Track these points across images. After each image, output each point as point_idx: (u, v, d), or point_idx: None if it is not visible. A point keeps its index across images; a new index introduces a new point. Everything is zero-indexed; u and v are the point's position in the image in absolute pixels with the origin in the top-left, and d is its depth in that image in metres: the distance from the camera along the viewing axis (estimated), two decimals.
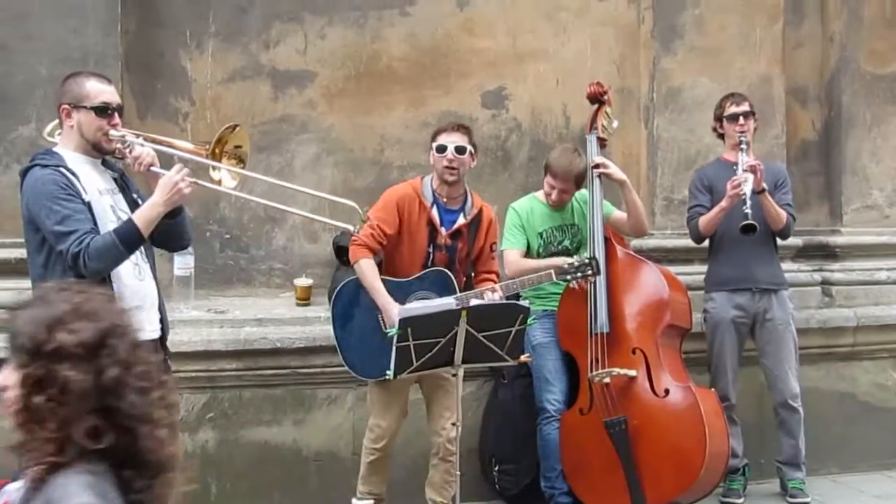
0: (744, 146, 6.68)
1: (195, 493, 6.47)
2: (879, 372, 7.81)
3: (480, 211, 6.10)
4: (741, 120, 6.79)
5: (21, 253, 6.26)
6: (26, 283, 6.24)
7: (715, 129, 7.03)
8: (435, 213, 5.95)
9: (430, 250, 5.93)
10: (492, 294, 5.85)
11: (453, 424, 5.61)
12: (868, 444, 7.68)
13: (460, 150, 5.92)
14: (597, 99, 6.73)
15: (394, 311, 5.67)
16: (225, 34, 7.06)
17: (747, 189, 6.41)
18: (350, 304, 5.92)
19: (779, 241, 6.97)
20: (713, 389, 6.52)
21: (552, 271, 6.08)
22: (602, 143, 6.68)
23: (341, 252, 6.49)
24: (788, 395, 6.84)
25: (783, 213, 6.72)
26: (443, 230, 5.95)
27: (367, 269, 5.84)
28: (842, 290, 7.69)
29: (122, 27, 6.58)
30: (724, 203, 6.58)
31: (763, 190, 6.57)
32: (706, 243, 6.93)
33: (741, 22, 7.62)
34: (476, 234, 6.05)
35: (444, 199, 5.99)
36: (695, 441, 6.12)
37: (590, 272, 6.10)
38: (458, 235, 6.00)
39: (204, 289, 6.87)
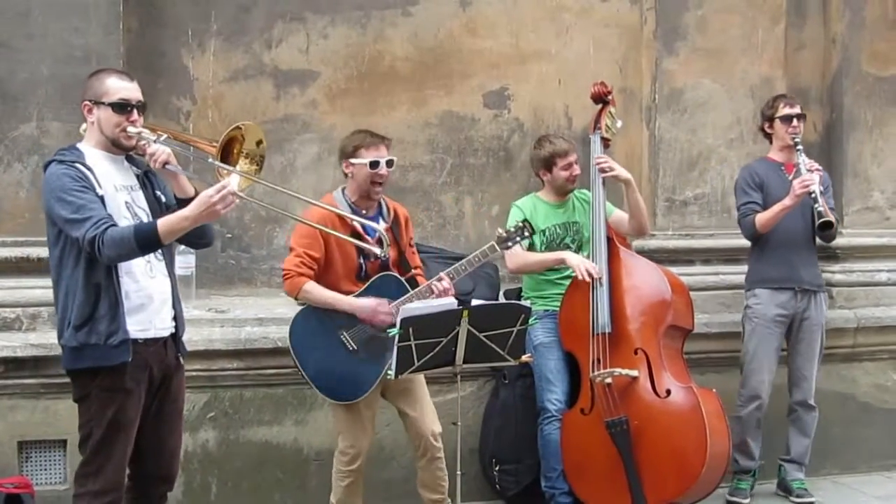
0: (800, 147, 6.72)
1: (196, 492, 6.52)
2: (880, 373, 7.81)
3: (396, 211, 6.05)
4: (795, 122, 6.82)
5: (22, 252, 6.33)
6: (28, 282, 6.30)
7: (762, 129, 7.06)
8: (357, 224, 5.77)
9: (362, 262, 5.84)
10: (438, 283, 5.76)
11: (454, 424, 5.60)
12: (868, 446, 7.70)
13: (390, 163, 5.89)
14: (601, 99, 6.74)
15: (362, 302, 5.68)
16: (227, 33, 7.06)
17: (815, 188, 6.47)
18: (306, 335, 5.78)
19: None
20: (714, 391, 6.50)
21: (493, 243, 5.98)
22: (606, 143, 6.71)
23: None
24: (810, 394, 6.91)
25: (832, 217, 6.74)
26: (370, 238, 5.79)
27: (313, 289, 5.72)
28: (842, 292, 7.69)
29: (124, 26, 6.57)
30: (787, 201, 6.59)
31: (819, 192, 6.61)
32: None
33: (743, 23, 7.62)
34: (399, 235, 6.00)
35: (363, 209, 5.89)
36: (696, 442, 6.12)
37: (526, 233, 6.06)
38: (384, 240, 5.92)
39: (205, 288, 6.87)
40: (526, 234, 6.09)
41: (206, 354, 6.39)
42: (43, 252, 6.25)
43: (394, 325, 5.25)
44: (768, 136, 7.04)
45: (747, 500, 6.90)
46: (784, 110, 6.87)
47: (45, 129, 6.38)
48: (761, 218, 6.74)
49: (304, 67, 7.20)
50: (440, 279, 5.80)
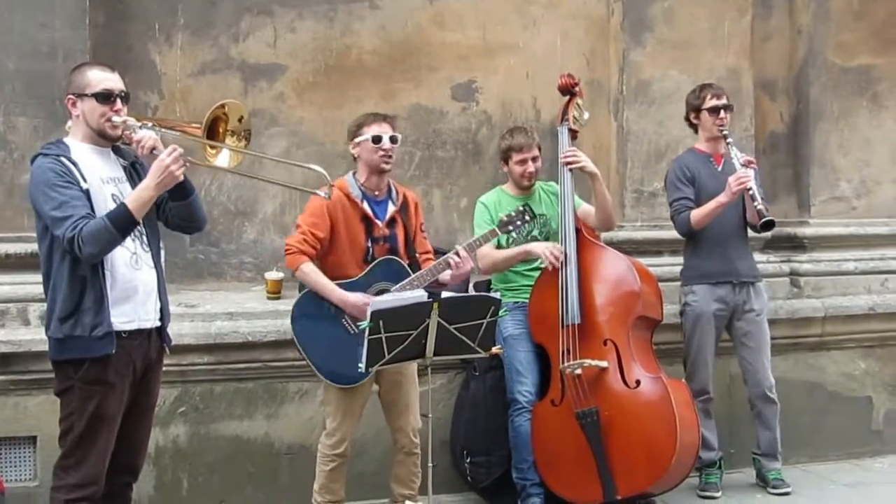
0: (730, 140, 6.72)
1: (167, 486, 6.51)
2: (847, 362, 7.87)
3: (405, 196, 6.09)
4: (722, 113, 6.81)
5: (4, 248, 6.29)
6: (17, 277, 6.26)
7: (688, 119, 7.03)
8: (367, 207, 5.89)
9: (369, 245, 5.88)
10: (455, 256, 5.82)
11: (424, 416, 5.61)
12: (837, 434, 7.75)
13: (394, 139, 5.93)
14: (568, 90, 6.74)
15: (351, 298, 5.69)
16: (194, 27, 7.05)
17: (753, 185, 6.49)
18: (309, 317, 5.78)
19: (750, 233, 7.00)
20: (684, 381, 6.53)
21: (495, 227, 6.09)
22: (573, 134, 6.70)
23: None
24: (766, 386, 6.90)
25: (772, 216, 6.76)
26: (379, 222, 5.90)
27: (309, 271, 5.76)
28: (810, 281, 7.75)
29: (90, 20, 6.55)
30: (723, 198, 6.58)
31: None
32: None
33: (710, 15, 7.66)
34: (408, 219, 6.03)
35: (374, 192, 5.94)
36: (666, 432, 6.14)
37: (527, 217, 6.12)
38: (394, 223, 5.96)
39: (174, 283, 6.84)
40: (527, 217, 6.14)
41: (176, 349, 6.29)
42: (10, 248, 6.27)
43: None
44: (694, 127, 7.02)
45: (719, 493, 6.91)
46: (711, 101, 6.84)
47: (12, 125, 6.36)
48: (696, 215, 6.73)
49: (272, 61, 7.19)
50: (457, 252, 5.85)
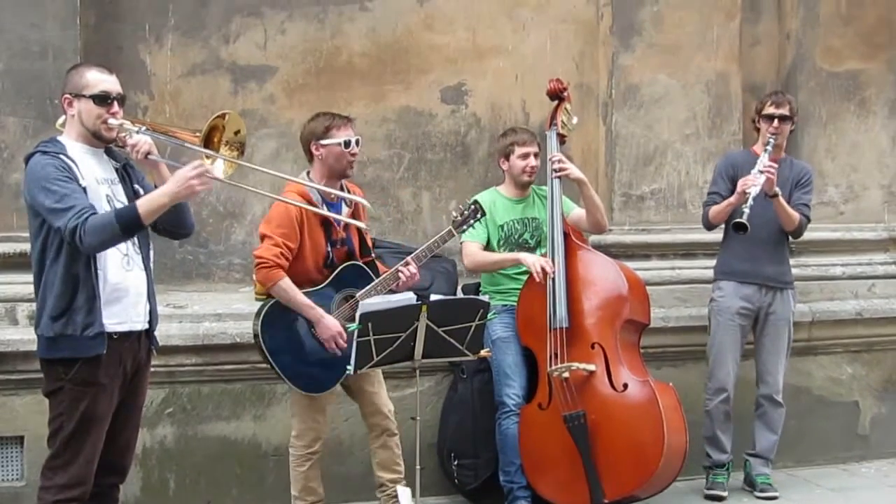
0: (769, 148, 6.75)
1: (154, 487, 6.50)
2: (834, 367, 7.89)
3: (354, 194, 6.00)
4: (776, 122, 6.84)
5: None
6: (6, 277, 6.26)
7: (753, 121, 7.10)
8: (326, 210, 5.80)
9: (329, 249, 5.86)
10: (405, 269, 5.80)
11: (412, 419, 5.59)
12: (823, 438, 7.78)
13: (358, 142, 5.92)
14: (557, 95, 6.75)
15: (328, 322, 5.68)
16: (184, 28, 7.03)
17: (753, 191, 6.51)
18: (277, 325, 5.74)
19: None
20: (671, 384, 6.54)
21: (450, 227, 6.07)
22: (562, 139, 6.72)
23: None
24: (775, 389, 6.96)
25: (796, 215, 6.80)
26: (337, 225, 5.85)
27: (288, 287, 5.68)
28: (797, 286, 7.73)
29: (80, 21, 6.54)
30: (732, 199, 6.68)
31: (776, 195, 6.67)
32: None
33: (699, 19, 7.66)
34: (359, 218, 5.94)
35: (330, 196, 5.86)
36: (653, 435, 6.16)
37: (479, 216, 6.12)
38: (348, 226, 5.90)
39: (163, 284, 6.80)
40: (478, 216, 6.13)
41: (163, 350, 6.30)
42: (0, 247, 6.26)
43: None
44: (757, 130, 7.06)
45: (725, 493, 6.93)
46: (769, 109, 6.90)
47: (2, 124, 6.36)
48: (714, 209, 6.84)
49: (262, 62, 7.18)
50: (407, 263, 5.83)
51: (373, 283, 5.81)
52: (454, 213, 6.18)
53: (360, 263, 5.92)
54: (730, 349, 6.90)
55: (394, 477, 6.01)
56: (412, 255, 5.91)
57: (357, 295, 5.76)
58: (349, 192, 5.99)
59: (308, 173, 5.96)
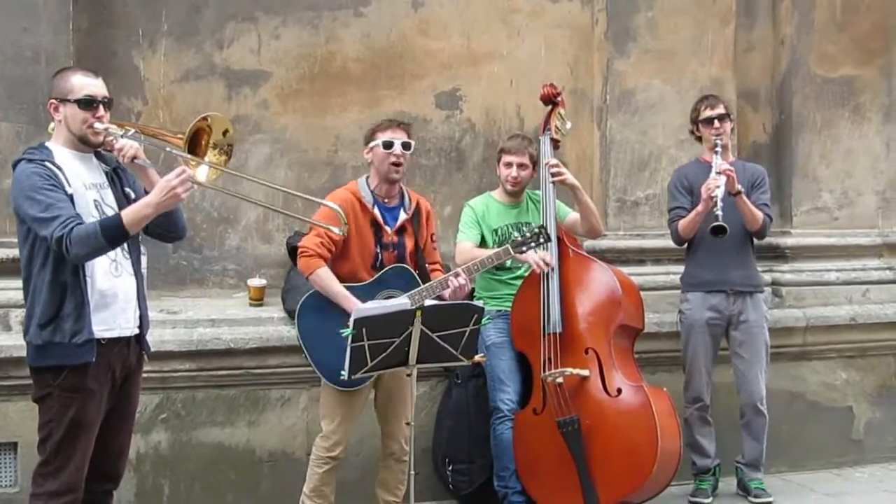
0: (718, 149, 6.73)
1: (148, 494, 6.49)
2: (828, 372, 7.90)
3: (418, 204, 6.13)
4: (716, 123, 6.84)
5: None
6: (2, 283, 6.26)
7: (692, 132, 7.09)
8: (377, 212, 5.93)
9: (378, 250, 5.92)
10: (455, 279, 5.85)
11: (407, 424, 5.60)
12: (817, 443, 7.79)
13: (406, 146, 5.96)
14: (550, 100, 6.76)
15: None
16: (178, 33, 7.02)
17: (719, 193, 6.49)
18: (315, 318, 5.80)
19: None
20: (665, 389, 6.54)
21: (508, 246, 6.11)
22: (555, 144, 6.72)
23: (294, 253, 6.45)
24: (757, 398, 6.90)
25: (759, 214, 6.78)
26: (388, 228, 5.94)
27: (325, 276, 5.79)
28: (791, 291, 7.78)
29: (73, 26, 6.53)
30: (699, 207, 6.64)
31: (739, 192, 6.64)
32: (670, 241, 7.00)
33: (693, 25, 7.67)
34: (419, 228, 6.06)
35: (384, 199, 5.99)
36: (647, 440, 6.16)
37: (542, 240, 6.14)
38: (403, 231, 6.01)
39: (157, 289, 6.81)
40: (541, 240, 6.14)
41: (157, 356, 6.32)
42: None
43: None
44: (699, 139, 7.07)
45: (709, 500, 6.93)
46: (706, 112, 6.91)
47: None
48: (682, 223, 6.80)
49: (256, 68, 7.17)
50: (457, 274, 5.89)
51: (420, 287, 5.85)
52: (515, 234, 6.28)
53: (408, 267, 5.96)
54: (702, 359, 6.87)
55: (392, 499, 6.07)
56: (463, 267, 5.98)
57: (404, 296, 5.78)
58: (410, 198, 6.09)
59: (367, 177, 6.05)
